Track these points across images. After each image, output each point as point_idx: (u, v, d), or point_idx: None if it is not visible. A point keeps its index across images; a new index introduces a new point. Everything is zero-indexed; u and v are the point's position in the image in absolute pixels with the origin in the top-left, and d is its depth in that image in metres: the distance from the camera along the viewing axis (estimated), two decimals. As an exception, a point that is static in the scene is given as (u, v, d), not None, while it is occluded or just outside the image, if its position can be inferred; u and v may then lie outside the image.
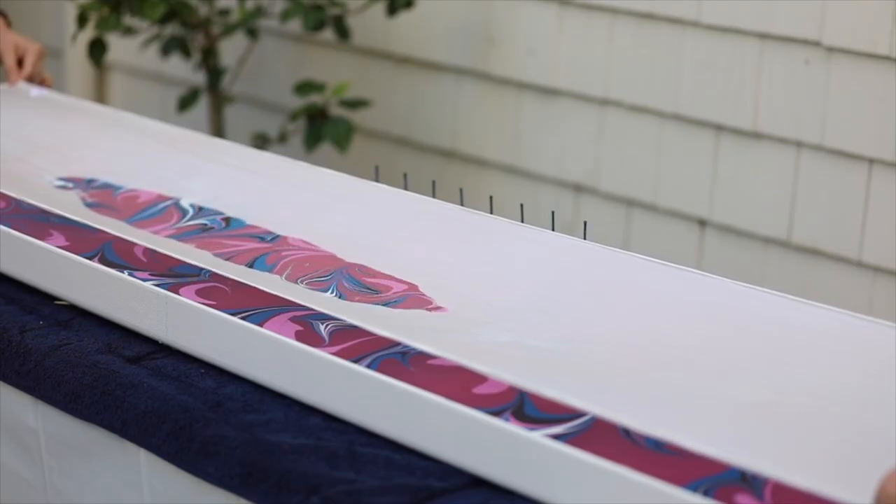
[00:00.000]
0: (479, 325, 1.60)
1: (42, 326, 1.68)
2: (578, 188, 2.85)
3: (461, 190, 2.06)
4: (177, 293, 1.61)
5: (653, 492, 1.22)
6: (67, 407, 1.58)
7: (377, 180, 2.07)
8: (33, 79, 2.40)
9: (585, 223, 1.99)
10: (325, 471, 1.36)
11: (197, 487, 1.46)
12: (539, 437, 1.30)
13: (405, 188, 2.00)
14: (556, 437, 1.32)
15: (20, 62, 2.40)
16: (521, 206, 2.05)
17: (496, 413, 1.36)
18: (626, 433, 1.34)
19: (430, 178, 2.85)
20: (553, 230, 1.83)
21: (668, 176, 2.71)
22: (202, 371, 1.57)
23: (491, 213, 1.92)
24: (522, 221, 1.92)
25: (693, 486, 1.24)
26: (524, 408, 1.40)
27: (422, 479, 1.35)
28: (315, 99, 2.99)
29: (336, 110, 3.00)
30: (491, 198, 1.96)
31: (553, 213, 1.94)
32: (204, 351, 1.58)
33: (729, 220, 2.63)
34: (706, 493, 1.23)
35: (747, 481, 1.26)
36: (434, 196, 1.92)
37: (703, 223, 2.68)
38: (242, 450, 1.41)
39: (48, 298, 1.75)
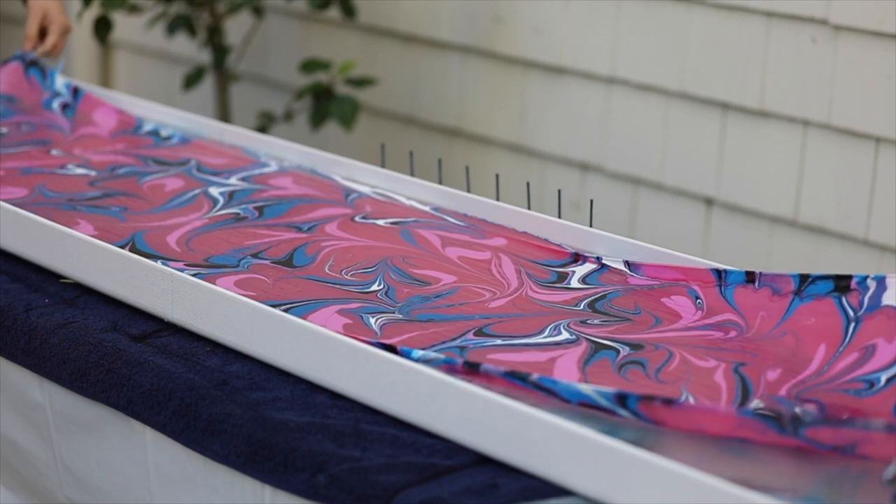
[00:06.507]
0: None
1: (47, 304, 1.68)
2: (585, 167, 2.84)
3: (467, 168, 2.05)
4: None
5: (655, 468, 1.22)
6: (73, 385, 1.57)
7: (383, 159, 2.06)
8: (50, 52, 2.40)
9: (592, 202, 1.98)
10: (331, 448, 1.36)
11: (202, 465, 1.45)
12: (545, 415, 1.30)
13: (411, 166, 2.00)
14: (562, 415, 1.32)
15: (43, 32, 2.40)
16: (528, 184, 2.05)
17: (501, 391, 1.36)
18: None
19: (436, 157, 2.85)
20: (559, 209, 1.82)
21: (674, 154, 2.70)
22: (208, 349, 1.57)
23: (497, 191, 1.92)
24: (529, 200, 1.91)
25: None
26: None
27: (428, 456, 1.35)
28: (321, 77, 2.98)
29: (342, 89, 3.00)
30: (497, 176, 1.95)
31: (559, 191, 1.94)
32: (209, 329, 1.57)
33: (735, 199, 2.62)
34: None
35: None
36: (440, 174, 1.91)
37: (709, 202, 2.67)
38: (248, 428, 1.41)
39: (53, 276, 1.75)
